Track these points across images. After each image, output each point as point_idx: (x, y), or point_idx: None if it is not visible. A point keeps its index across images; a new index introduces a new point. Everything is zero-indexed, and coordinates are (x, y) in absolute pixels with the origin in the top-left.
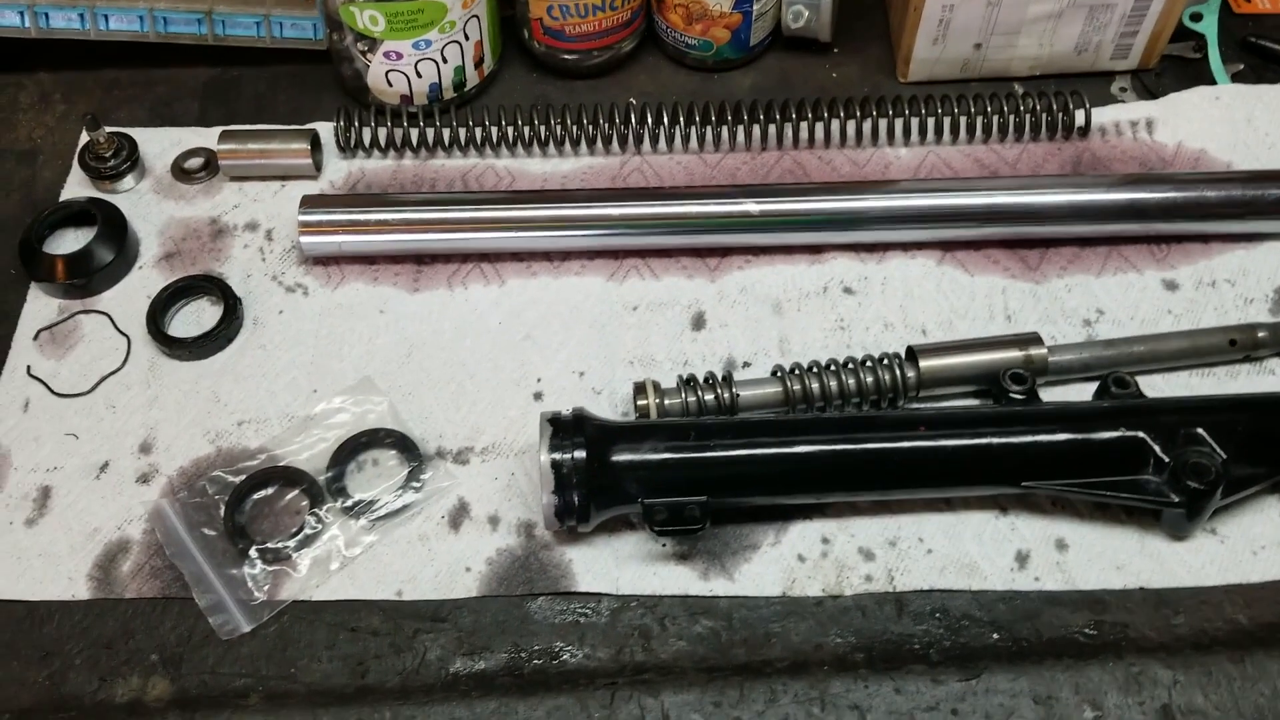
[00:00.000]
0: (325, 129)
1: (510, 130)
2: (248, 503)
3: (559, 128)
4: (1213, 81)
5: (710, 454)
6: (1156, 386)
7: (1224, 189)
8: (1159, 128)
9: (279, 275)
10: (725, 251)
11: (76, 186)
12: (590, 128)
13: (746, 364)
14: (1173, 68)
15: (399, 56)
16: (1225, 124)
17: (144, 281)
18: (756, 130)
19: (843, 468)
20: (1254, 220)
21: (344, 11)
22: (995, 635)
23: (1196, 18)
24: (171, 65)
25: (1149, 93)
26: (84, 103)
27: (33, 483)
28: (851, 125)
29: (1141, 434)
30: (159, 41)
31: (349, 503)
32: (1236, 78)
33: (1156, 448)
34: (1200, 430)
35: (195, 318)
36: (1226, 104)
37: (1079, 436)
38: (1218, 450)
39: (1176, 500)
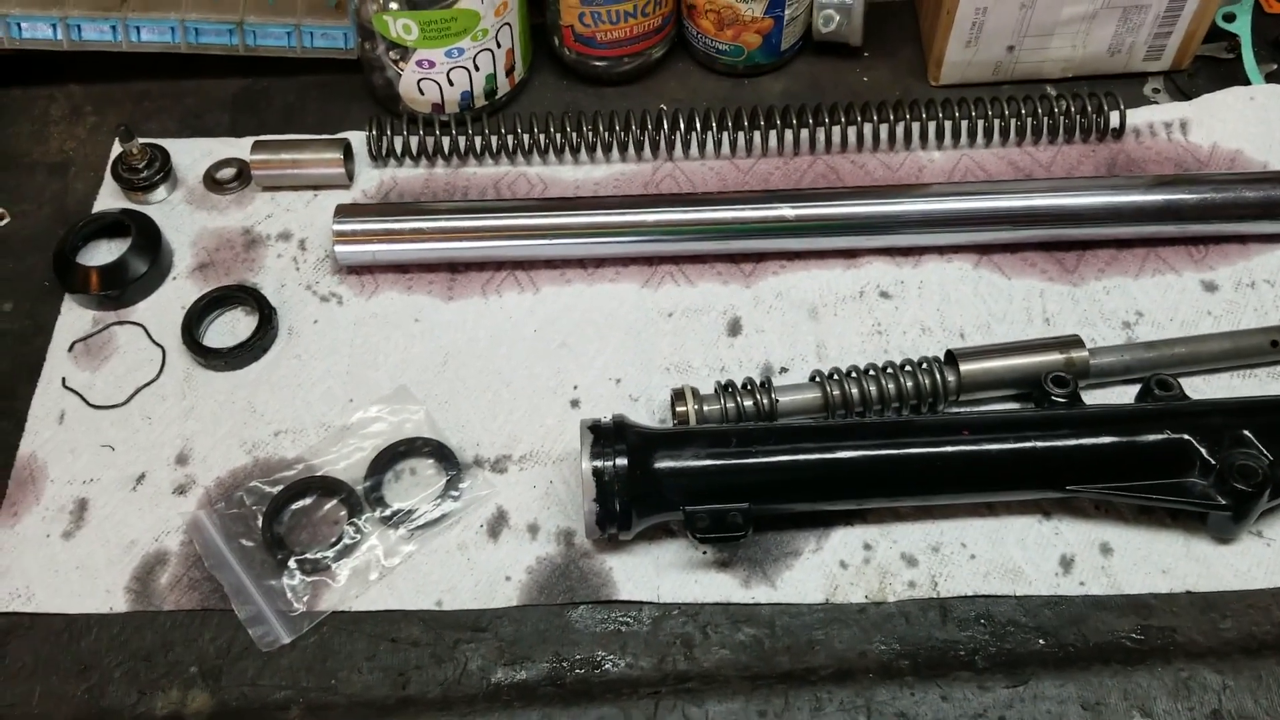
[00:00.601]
0: (357, 138)
1: (542, 137)
2: (286, 513)
3: (590, 134)
4: (1247, 82)
5: (752, 460)
6: (1198, 388)
7: (1262, 189)
8: (1193, 129)
9: (313, 285)
10: (760, 257)
11: (109, 198)
12: (622, 134)
13: (784, 370)
14: (1206, 68)
15: (431, 65)
16: (1261, 124)
17: (178, 292)
18: (789, 135)
19: (885, 473)
20: None
21: (377, 20)
22: (1041, 641)
23: (1230, 18)
24: (202, 76)
25: (1182, 94)
26: (115, 114)
27: (69, 495)
28: (884, 129)
29: (1187, 436)
30: (190, 53)
31: (387, 512)
32: (1270, 78)
33: (1203, 450)
34: (1246, 432)
35: (230, 328)
36: (1261, 104)
37: (1123, 439)
38: (1264, 452)
39: (1223, 503)
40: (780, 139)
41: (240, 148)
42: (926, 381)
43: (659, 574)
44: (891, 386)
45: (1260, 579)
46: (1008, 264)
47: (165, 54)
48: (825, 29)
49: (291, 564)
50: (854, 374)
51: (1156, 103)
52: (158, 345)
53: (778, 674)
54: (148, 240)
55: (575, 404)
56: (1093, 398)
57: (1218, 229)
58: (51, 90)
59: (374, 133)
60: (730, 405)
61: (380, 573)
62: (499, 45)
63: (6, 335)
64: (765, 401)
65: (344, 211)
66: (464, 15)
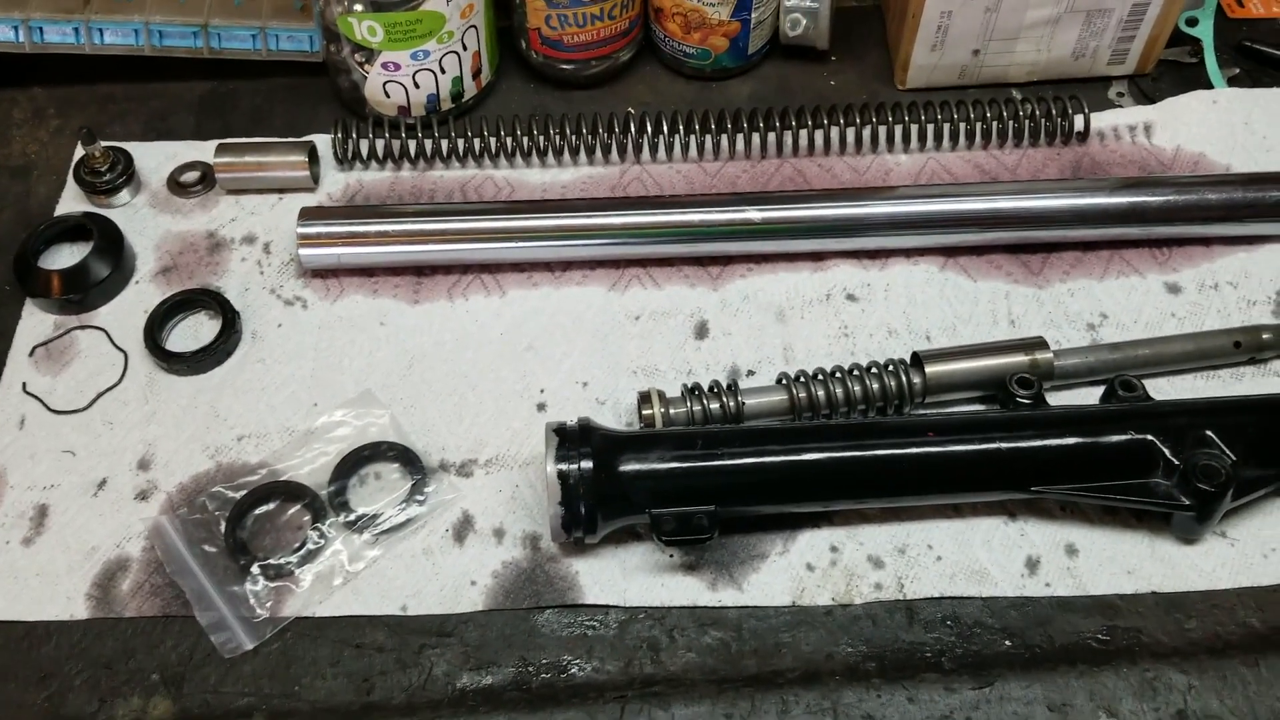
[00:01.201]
0: (323, 141)
1: (509, 140)
2: (249, 518)
3: (558, 137)
4: (1210, 85)
5: (718, 462)
6: (1162, 389)
7: (1224, 191)
8: (1158, 132)
9: (277, 288)
10: (727, 260)
11: (71, 202)
12: (589, 137)
13: (750, 372)
14: (1169, 72)
15: (397, 67)
16: (1223, 127)
17: (141, 296)
18: (756, 138)
19: (851, 474)
20: (1255, 222)
21: (342, 22)
22: (1008, 642)
23: (1192, 22)
24: (167, 79)
25: (1146, 97)
26: (78, 118)
27: (29, 501)
28: (851, 132)
29: (1150, 437)
30: (154, 55)
31: (351, 517)
32: (1233, 81)
33: (1166, 450)
34: (1209, 432)
35: (193, 332)
36: (1224, 107)
37: (1088, 440)
38: (1227, 452)
39: (1187, 503)
40: (748, 142)
41: (205, 151)
42: (892, 384)
43: (625, 577)
44: (858, 389)
45: (1225, 579)
46: (973, 266)
47: (129, 56)
48: (792, 33)
49: (254, 570)
50: (820, 376)
51: (1121, 106)
52: (120, 350)
53: (744, 677)
54: (110, 244)
55: (542, 407)
56: (1057, 399)
57: (1181, 231)
58: (14, 93)
59: (339, 135)
60: (697, 408)
61: (344, 578)
62: (465, 48)
63: None
64: (732, 404)
65: (309, 214)
66: (429, 17)
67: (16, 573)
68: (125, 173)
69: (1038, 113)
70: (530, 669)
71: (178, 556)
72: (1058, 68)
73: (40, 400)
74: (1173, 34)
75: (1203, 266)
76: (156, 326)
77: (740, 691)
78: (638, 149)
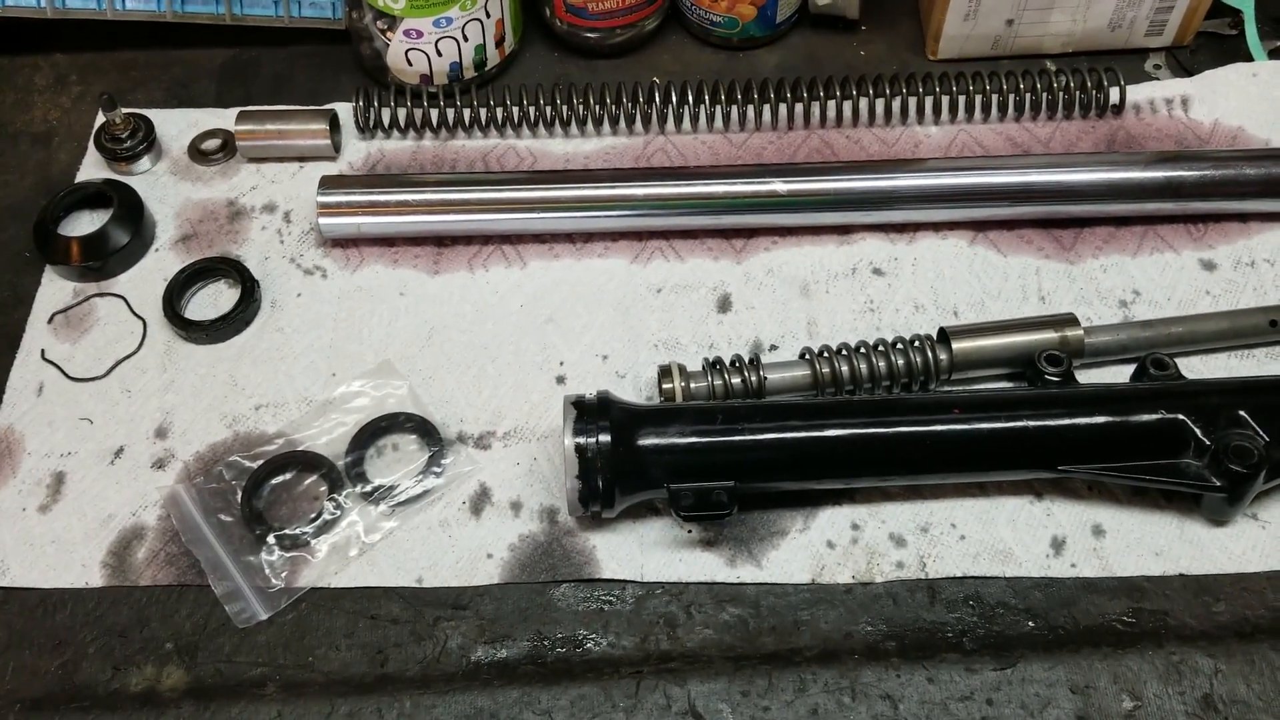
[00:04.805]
0: (344, 109)
1: (532, 110)
2: (265, 488)
3: (581, 107)
4: (1249, 58)
5: (738, 438)
6: (1195, 368)
7: (1263, 166)
8: (1195, 105)
9: (297, 258)
10: (751, 232)
11: (92, 168)
12: (613, 107)
13: (774, 347)
14: (1208, 44)
15: (419, 35)
16: (1263, 101)
17: (160, 264)
18: (783, 109)
19: (874, 451)
20: None
21: None
22: (1030, 623)
23: None
24: (188, 46)
25: (1184, 70)
26: (100, 84)
27: (46, 468)
28: (880, 103)
29: (1182, 416)
30: (176, 21)
31: (368, 488)
32: (1274, 54)
33: (1197, 430)
34: (1243, 413)
35: (212, 300)
36: (1265, 81)
37: (1117, 419)
38: (1260, 433)
39: (1218, 484)
40: (774, 113)
41: (226, 118)
42: (918, 359)
43: (643, 553)
44: (882, 364)
45: (1255, 562)
46: (1004, 241)
47: (151, 23)
48: (822, 1)
49: (270, 540)
50: (844, 351)
51: (1157, 79)
52: (139, 317)
53: (762, 654)
54: (130, 211)
55: (561, 380)
56: (1087, 377)
57: (1218, 207)
58: (36, 59)
59: (361, 104)
60: (718, 382)
61: (360, 549)
62: (488, 15)
63: None
64: (753, 379)
65: (329, 183)
66: None
67: (32, 540)
68: (146, 140)
69: (1072, 84)
70: (545, 643)
71: (193, 525)
72: (1093, 39)
73: (58, 367)
74: (1212, 5)
75: (1239, 243)
76: (175, 294)
77: (757, 669)
78: (662, 119)
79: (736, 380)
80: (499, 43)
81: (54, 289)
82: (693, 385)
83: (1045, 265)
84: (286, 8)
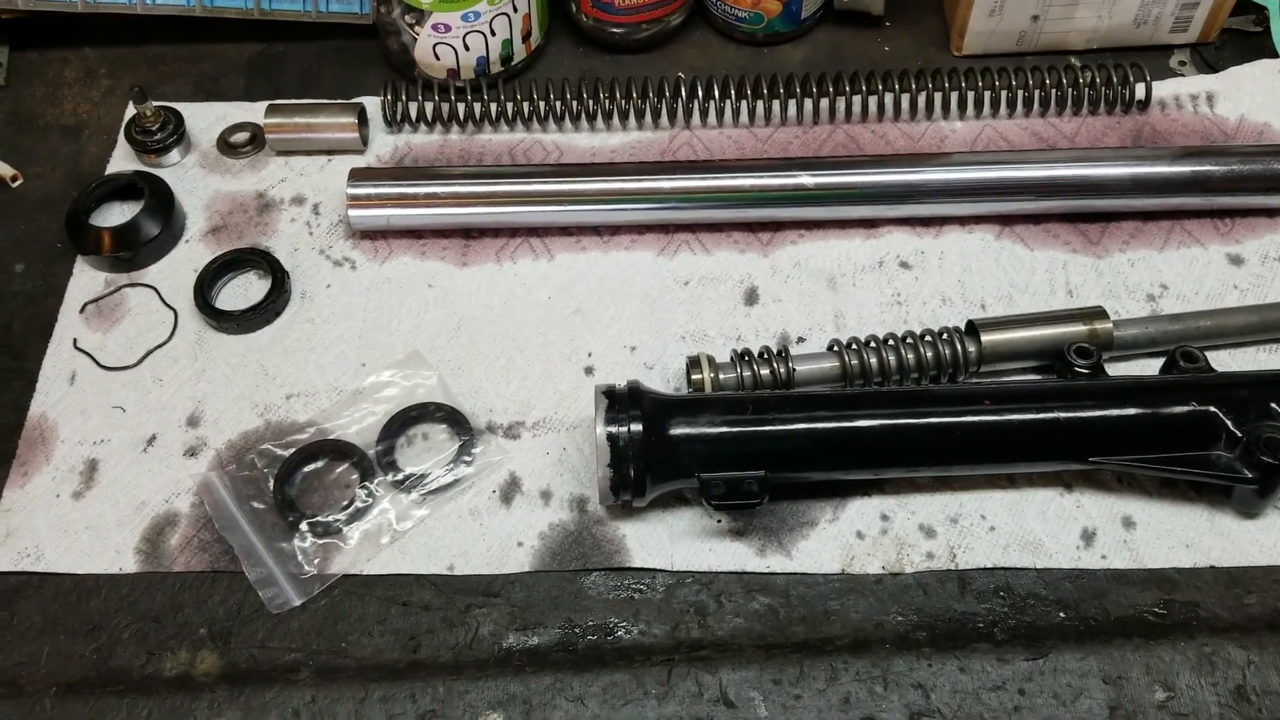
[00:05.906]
0: (371, 103)
1: (558, 104)
2: (297, 476)
3: (607, 101)
4: (1275, 55)
5: (769, 428)
6: (1223, 363)
7: None
8: (1220, 101)
9: (326, 249)
10: (778, 226)
11: (122, 161)
12: (639, 101)
13: (801, 339)
14: (1233, 41)
15: (447, 29)
16: None
17: (190, 255)
18: (809, 104)
19: (905, 442)
20: None
21: None
22: (1062, 614)
23: None
24: (217, 40)
25: (1209, 66)
26: (129, 78)
27: (80, 455)
28: (906, 99)
29: (1213, 408)
30: (205, 16)
31: (399, 476)
32: None
33: (1229, 422)
34: (1274, 405)
35: (243, 291)
36: None
37: (1148, 411)
38: None
39: (1249, 476)
40: (800, 108)
41: (255, 112)
42: (947, 352)
43: (673, 542)
44: (911, 356)
45: None
46: (1030, 235)
47: (180, 17)
48: None
49: (303, 527)
50: (873, 344)
51: (1182, 75)
52: (170, 307)
53: (792, 643)
54: (161, 202)
55: (589, 371)
56: (1115, 370)
57: (1245, 201)
58: (66, 53)
59: (389, 98)
60: (746, 373)
61: (392, 536)
62: (515, 10)
63: (19, 296)
64: (782, 370)
65: (358, 176)
66: None
67: (67, 526)
68: (176, 132)
69: (1098, 80)
70: (576, 630)
71: (226, 512)
72: (1118, 35)
73: (91, 356)
74: (1237, 2)
75: (1266, 238)
76: (206, 285)
77: (789, 657)
78: (688, 113)
79: (765, 372)
80: (525, 37)
81: (85, 279)
82: (722, 376)
83: (1072, 259)
84: (314, 3)
